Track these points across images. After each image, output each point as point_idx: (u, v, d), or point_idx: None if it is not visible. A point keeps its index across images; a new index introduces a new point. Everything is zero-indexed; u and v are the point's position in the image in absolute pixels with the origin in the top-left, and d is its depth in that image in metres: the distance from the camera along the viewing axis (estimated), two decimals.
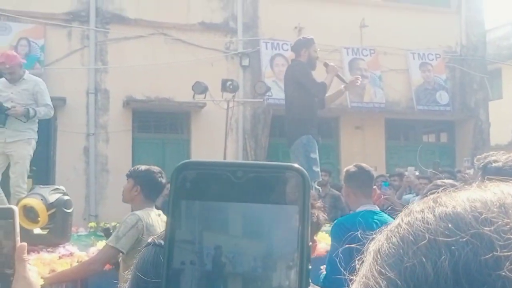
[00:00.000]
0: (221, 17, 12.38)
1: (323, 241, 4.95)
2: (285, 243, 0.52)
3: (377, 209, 3.60)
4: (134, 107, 11.64)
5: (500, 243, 0.47)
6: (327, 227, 5.75)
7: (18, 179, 5.96)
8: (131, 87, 11.45)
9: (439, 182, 3.25)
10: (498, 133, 15.54)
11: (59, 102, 10.68)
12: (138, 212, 3.49)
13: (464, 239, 0.48)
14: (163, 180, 3.74)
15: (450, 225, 0.50)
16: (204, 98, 10.09)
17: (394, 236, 0.53)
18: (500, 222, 0.49)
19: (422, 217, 0.53)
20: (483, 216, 0.50)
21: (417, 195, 7.51)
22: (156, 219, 3.49)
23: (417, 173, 9.35)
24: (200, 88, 9.98)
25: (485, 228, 0.48)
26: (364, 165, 3.74)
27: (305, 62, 6.65)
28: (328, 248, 4.56)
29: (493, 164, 2.06)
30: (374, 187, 3.87)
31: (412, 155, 13.83)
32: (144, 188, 3.64)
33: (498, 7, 44.99)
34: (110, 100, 11.48)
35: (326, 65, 6.75)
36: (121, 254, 3.37)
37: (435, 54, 13.71)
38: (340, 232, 3.21)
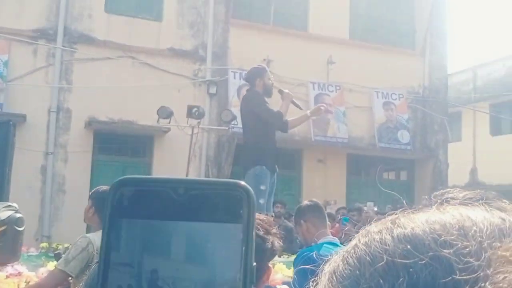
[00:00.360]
0: (190, 44, 12.43)
1: (279, 272, 4.93)
2: (228, 265, 0.49)
3: (338, 241, 3.61)
4: (96, 128, 11.47)
5: (459, 266, 0.46)
6: (285, 258, 5.72)
7: None
8: (94, 108, 11.30)
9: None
10: (456, 174, 15.92)
11: (19, 119, 10.45)
12: (89, 235, 3.40)
13: (423, 262, 0.47)
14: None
15: (408, 247, 0.49)
16: (169, 123, 10.05)
17: (350, 257, 0.52)
18: (459, 245, 0.48)
19: (380, 238, 0.51)
20: (442, 238, 0.48)
21: None
22: None
23: (375, 209, 9.45)
24: (165, 113, 9.94)
25: (444, 251, 0.47)
26: (313, 199, 3.82)
27: (261, 91, 6.56)
28: (285, 279, 4.53)
29: (451, 202, 2.08)
30: (335, 223, 3.91)
31: (372, 190, 14.00)
32: (98, 209, 3.56)
33: (460, 53, 46.69)
34: (72, 119, 11.30)
35: (281, 92, 6.69)
36: (71, 277, 3.27)
37: (399, 94, 14.05)
38: (303, 263, 3.19)
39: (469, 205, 0.55)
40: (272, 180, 6.53)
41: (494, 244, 0.48)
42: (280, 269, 4.96)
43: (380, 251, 0.50)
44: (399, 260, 0.48)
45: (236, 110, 11.79)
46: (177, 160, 10.99)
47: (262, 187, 6.27)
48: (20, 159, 9.61)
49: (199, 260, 0.50)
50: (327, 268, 0.54)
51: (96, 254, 3.26)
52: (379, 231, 0.52)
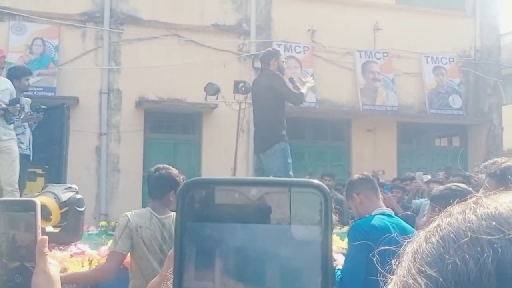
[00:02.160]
0: (234, 19, 12.40)
1: (334, 244, 4.95)
2: (307, 268, 0.47)
3: (392, 212, 3.58)
4: (146, 107, 11.69)
5: None
6: (337, 229, 5.74)
7: (15, 178, 5.88)
8: (143, 88, 11.51)
9: (452, 186, 3.21)
10: (511, 138, 15.39)
11: (72, 102, 10.77)
12: (128, 213, 3.53)
13: (508, 237, 0.48)
14: (155, 174, 3.65)
15: (493, 223, 0.50)
16: (216, 99, 10.11)
17: (433, 235, 0.53)
18: None
19: (463, 217, 0.52)
20: None
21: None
22: (150, 219, 3.49)
23: (429, 177, 9.28)
24: (212, 89, 10.00)
25: None
26: (366, 173, 3.82)
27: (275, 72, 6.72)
28: (338, 250, 4.56)
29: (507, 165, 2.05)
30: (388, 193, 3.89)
31: (424, 158, 13.76)
32: (148, 188, 3.71)
33: None
34: (123, 100, 11.55)
35: (291, 80, 6.82)
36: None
37: (449, 58, 13.63)
38: (358, 234, 3.20)
39: None
40: None
41: None
42: (334, 241, 4.98)
43: (464, 229, 0.50)
44: (484, 236, 0.49)
45: None
46: (225, 135, 11.10)
47: (289, 160, 6.55)
48: (75, 141, 9.98)
49: (276, 264, 0.48)
50: (409, 248, 0.54)
51: (134, 230, 3.39)
52: (462, 211, 0.53)
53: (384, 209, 3.54)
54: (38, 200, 1.11)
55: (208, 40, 11.99)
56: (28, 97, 7.01)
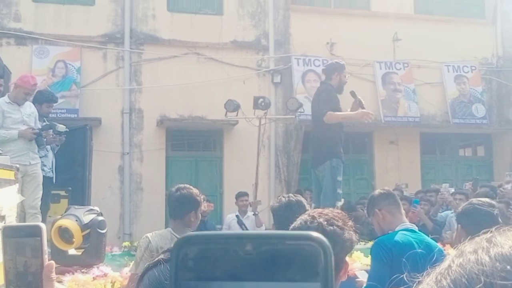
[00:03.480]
0: (252, 35, 12.47)
1: (357, 260, 4.89)
2: None
3: (415, 227, 3.51)
4: (167, 125, 11.78)
5: None
6: (361, 245, 5.67)
7: (38, 202, 5.97)
8: (164, 106, 11.61)
9: (475, 200, 3.14)
10: None
11: (94, 122, 10.91)
12: (149, 235, 3.52)
13: None
14: (176, 194, 3.65)
15: (508, 267, 0.46)
16: (236, 115, 10.14)
17: (444, 279, 0.49)
18: None
19: (476, 258, 0.49)
20: None
21: (454, 211, 7.34)
22: (170, 239, 3.48)
23: (452, 190, 9.12)
24: (232, 106, 10.04)
25: None
26: (387, 188, 3.75)
27: (335, 85, 6.81)
28: (363, 267, 4.49)
29: None
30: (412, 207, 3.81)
31: (448, 169, 13.56)
32: (168, 208, 3.71)
33: None
34: (144, 119, 11.66)
35: (353, 94, 6.86)
36: None
37: (471, 66, 13.47)
38: (381, 251, 3.16)
39: None
40: None
41: None
42: (357, 258, 4.92)
43: (477, 272, 0.47)
44: (498, 282, 0.46)
45: (301, 97, 11.77)
46: (246, 151, 11.12)
47: (339, 178, 6.55)
48: (98, 161, 10.08)
49: None
50: None
51: (155, 251, 3.33)
52: (474, 251, 0.50)
53: (408, 224, 3.47)
54: (44, 225, 1.11)
55: (227, 57, 12.06)
56: (52, 120, 7.12)
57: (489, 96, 13.64)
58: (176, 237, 3.45)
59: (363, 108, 6.84)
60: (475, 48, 13.43)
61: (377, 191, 3.69)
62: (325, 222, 1.90)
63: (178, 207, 3.61)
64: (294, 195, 3.41)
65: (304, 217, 1.99)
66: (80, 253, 4.11)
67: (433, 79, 13.16)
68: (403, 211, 3.63)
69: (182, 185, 3.72)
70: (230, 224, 8.38)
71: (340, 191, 6.61)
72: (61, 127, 6.56)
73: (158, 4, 12.02)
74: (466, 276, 0.48)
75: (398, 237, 3.27)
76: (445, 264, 0.51)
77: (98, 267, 4.12)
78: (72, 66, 11.38)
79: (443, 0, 13.83)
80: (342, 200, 6.80)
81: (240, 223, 8.36)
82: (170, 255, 0.48)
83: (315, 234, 0.47)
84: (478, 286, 0.46)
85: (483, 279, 0.46)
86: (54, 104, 7.36)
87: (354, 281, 3.44)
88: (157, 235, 3.50)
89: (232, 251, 0.46)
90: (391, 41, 12.92)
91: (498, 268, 0.46)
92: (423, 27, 13.04)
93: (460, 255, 0.51)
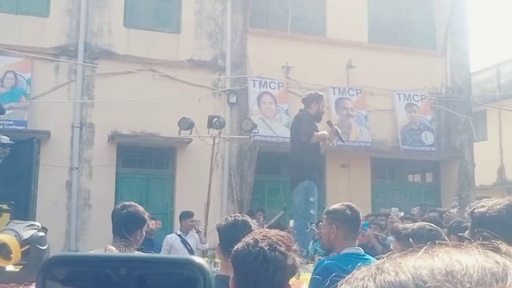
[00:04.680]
0: (209, 54, 12.48)
1: (305, 283, 4.86)
2: None
3: (361, 251, 3.50)
4: (119, 141, 11.57)
5: None
6: (311, 267, 5.66)
7: None
8: (116, 122, 11.41)
9: (426, 225, 3.17)
10: (483, 174, 15.62)
11: (43, 136, 10.60)
12: (91, 252, 3.40)
13: None
14: (126, 211, 3.59)
15: None
16: (190, 133, 10.08)
17: None
18: None
19: (362, 285, 0.48)
20: (426, 285, 0.45)
21: None
22: None
23: (402, 214, 9.29)
24: (186, 124, 9.98)
25: None
26: (355, 206, 3.59)
27: (313, 114, 7.33)
28: None
29: (479, 210, 2.07)
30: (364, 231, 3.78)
31: (398, 194, 13.85)
32: (113, 224, 3.59)
33: (483, 51, 46.01)
34: (95, 134, 11.42)
35: (330, 124, 7.37)
36: None
37: (421, 95, 13.87)
38: (324, 273, 3.13)
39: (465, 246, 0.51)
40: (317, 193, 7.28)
41: None
42: (306, 279, 4.90)
43: None
44: None
45: (256, 118, 11.83)
46: (200, 170, 11.02)
47: (311, 199, 7.03)
48: (45, 175, 9.76)
49: None
50: None
51: None
52: (362, 278, 0.49)
53: (354, 249, 3.45)
54: None
55: (183, 75, 12.01)
56: None
57: (437, 124, 14.05)
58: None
59: (339, 136, 7.44)
60: (426, 78, 13.86)
61: (346, 209, 3.47)
62: (267, 247, 1.89)
63: (124, 225, 3.50)
64: (241, 215, 3.36)
65: (247, 239, 1.96)
66: (18, 269, 3.93)
67: (384, 106, 13.47)
68: (356, 237, 3.60)
69: (127, 203, 3.65)
70: (172, 244, 8.08)
71: (312, 211, 6.98)
72: (5, 139, 6.31)
73: (114, 19, 11.89)
74: None
75: (340, 261, 3.25)
76: None
77: None
78: (22, 77, 11.08)
79: (396, 31, 14.25)
80: (316, 220, 7.06)
81: (184, 242, 8.19)
82: (37, 276, 0.43)
83: (196, 259, 0.44)
84: None
85: None
86: (1, 116, 7.11)
87: None
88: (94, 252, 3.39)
89: (105, 274, 0.42)
90: (345, 68, 13.19)
91: None
92: (376, 55, 13.38)
93: (348, 281, 0.50)
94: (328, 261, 3.36)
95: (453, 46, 14.46)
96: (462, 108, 14.28)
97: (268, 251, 1.87)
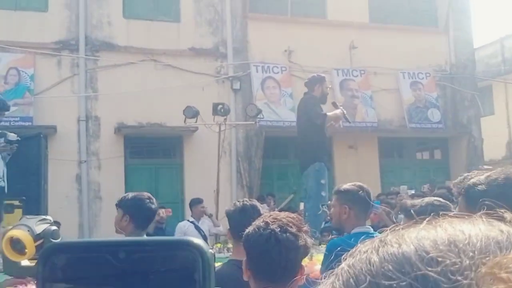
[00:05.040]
0: (210, 42, 12.43)
1: (318, 263, 4.88)
2: None
3: (371, 230, 3.50)
4: (125, 133, 11.59)
5: (446, 286, 0.43)
6: (323, 248, 5.68)
7: None
8: (122, 114, 11.42)
9: (434, 200, 3.14)
10: (491, 149, 15.57)
11: (49, 131, 10.64)
12: None
13: (405, 283, 0.44)
14: (153, 206, 3.66)
15: (391, 267, 0.46)
16: (196, 122, 10.09)
17: (338, 280, 0.49)
18: (447, 262, 0.44)
19: (365, 258, 0.48)
20: (429, 255, 0.45)
21: None
22: None
23: (413, 191, 9.28)
24: (191, 112, 9.99)
25: (431, 269, 0.44)
26: (366, 186, 3.57)
27: (318, 96, 7.30)
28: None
29: (478, 188, 1.93)
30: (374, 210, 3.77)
31: (407, 172, 13.83)
32: (134, 216, 3.55)
33: (486, 25, 45.63)
34: (101, 127, 11.44)
35: (335, 105, 7.44)
36: None
37: (425, 73, 13.80)
38: (331, 253, 3.14)
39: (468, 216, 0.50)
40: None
41: (487, 259, 0.44)
42: (318, 260, 4.91)
43: (364, 273, 0.47)
44: (382, 282, 0.45)
45: (261, 103, 11.80)
46: (207, 158, 11.04)
47: (323, 181, 7.05)
48: (55, 170, 9.82)
49: None
50: None
51: None
52: (366, 251, 0.49)
53: (363, 228, 3.46)
54: None
55: (185, 64, 11.98)
56: (5, 128, 6.88)
57: (443, 101, 13.99)
58: None
59: (345, 117, 7.50)
60: (429, 56, 13.77)
61: (358, 189, 3.44)
62: (278, 229, 1.89)
63: (150, 218, 3.65)
64: (250, 200, 3.38)
65: (258, 222, 1.97)
66: (33, 264, 3.96)
67: (389, 86, 13.41)
68: (366, 216, 3.61)
69: (146, 195, 3.71)
70: (186, 231, 8.15)
71: (324, 193, 6.97)
72: (12, 136, 6.35)
73: (114, 10, 11.85)
74: (354, 277, 0.48)
75: (350, 241, 3.26)
76: (341, 265, 0.51)
77: None
78: (25, 73, 11.08)
79: (397, 10, 14.13)
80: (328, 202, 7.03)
81: (198, 228, 8.25)
82: (37, 264, 0.44)
83: (195, 240, 0.44)
84: (363, 285, 0.46)
85: (368, 278, 0.46)
86: (6, 113, 7.12)
87: (314, 283, 3.41)
88: None
89: (104, 259, 0.43)
90: (348, 49, 13.11)
91: (383, 268, 0.46)
92: (379, 35, 13.29)
93: (352, 255, 0.51)
94: (335, 241, 3.38)
95: (456, 23, 14.34)
96: (467, 84, 14.20)
97: (279, 233, 1.88)
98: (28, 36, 11.12)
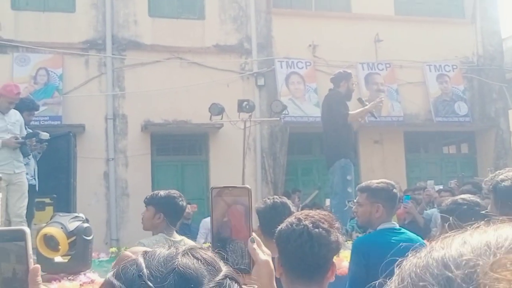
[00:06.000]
0: (235, 38, 12.48)
1: (345, 260, 4.90)
2: None
3: (396, 225, 3.50)
4: (152, 130, 11.73)
5: (466, 286, 0.47)
6: (349, 244, 5.69)
7: (23, 210, 5.95)
8: (148, 111, 11.57)
9: (458, 199, 3.14)
10: None
11: (78, 129, 10.84)
12: (143, 241, 3.41)
13: (432, 286, 0.49)
14: (184, 204, 3.73)
15: (426, 272, 0.50)
16: (221, 119, 10.16)
17: (395, 280, 0.54)
18: (472, 263, 0.48)
19: (414, 262, 0.53)
20: (461, 258, 0.49)
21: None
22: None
23: (441, 187, 9.18)
24: (216, 109, 10.06)
25: (455, 272, 0.48)
26: (393, 183, 3.59)
27: (343, 93, 7.33)
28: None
29: (503, 184, 1.96)
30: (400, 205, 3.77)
31: (433, 167, 13.68)
32: (167, 214, 3.61)
33: None
34: (129, 124, 11.60)
35: (361, 101, 7.47)
36: None
37: (452, 65, 13.61)
38: (359, 253, 3.18)
39: None
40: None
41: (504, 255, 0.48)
42: (345, 257, 4.93)
43: (409, 275, 0.52)
44: (420, 283, 0.50)
45: (286, 99, 11.82)
46: (232, 154, 11.11)
47: (349, 177, 7.10)
48: (83, 168, 10.02)
49: None
50: None
51: None
52: (418, 256, 0.54)
53: (388, 224, 3.45)
54: (28, 228, 1.10)
55: (210, 61, 12.06)
56: (35, 127, 7.06)
57: (470, 94, 13.79)
58: (171, 241, 3.43)
59: (372, 113, 7.44)
60: (456, 47, 13.58)
61: (389, 186, 3.46)
62: (311, 225, 1.92)
63: (182, 215, 3.79)
64: (280, 197, 3.42)
65: (290, 219, 2.01)
66: (66, 260, 4.07)
67: (415, 79, 13.27)
68: (394, 212, 3.63)
69: (177, 193, 3.77)
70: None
71: (350, 190, 6.97)
72: (45, 135, 6.51)
73: (139, 9, 11.99)
74: (400, 278, 0.53)
75: (377, 237, 3.26)
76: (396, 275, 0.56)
77: (85, 274, 4.08)
78: (54, 73, 11.30)
79: (422, 1, 13.96)
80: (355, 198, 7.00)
81: None
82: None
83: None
84: (403, 284, 0.51)
85: (409, 281, 0.52)
86: (36, 112, 7.31)
87: (342, 279, 3.44)
88: (152, 240, 3.46)
89: None
90: (373, 42, 13.01)
91: (422, 272, 0.51)
92: (404, 27, 13.16)
93: (408, 258, 0.56)
94: (361, 239, 3.42)
95: (483, 13, 14.10)
96: (495, 76, 13.96)
97: (312, 228, 1.91)
98: (56, 36, 11.33)
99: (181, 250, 0.81)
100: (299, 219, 1.96)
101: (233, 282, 0.81)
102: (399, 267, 0.55)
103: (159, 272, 0.76)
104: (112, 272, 0.81)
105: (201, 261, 0.79)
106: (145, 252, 0.82)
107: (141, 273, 0.76)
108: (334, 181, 7.22)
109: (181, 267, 0.77)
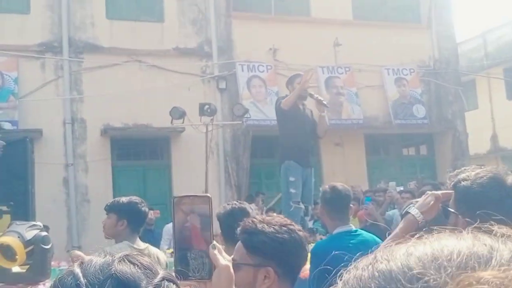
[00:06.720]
0: (195, 41, 12.40)
1: (307, 263, 4.91)
2: None
3: (353, 228, 3.60)
4: (112, 135, 11.53)
5: None
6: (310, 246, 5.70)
7: None
8: (108, 115, 11.35)
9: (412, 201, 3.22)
10: (476, 143, 15.74)
11: (35, 134, 10.53)
12: (106, 248, 3.33)
13: None
14: (146, 210, 3.66)
15: (378, 283, 0.49)
16: (182, 122, 10.07)
17: None
18: (427, 278, 0.47)
19: (358, 275, 0.52)
20: (411, 272, 0.48)
21: (400, 210, 7.51)
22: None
23: (401, 188, 9.34)
24: (177, 113, 9.96)
25: (411, 286, 0.47)
26: (340, 187, 3.63)
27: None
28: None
29: (462, 183, 1.99)
30: (351, 205, 3.79)
31: (393, 168, 13.92)
32: (130, 221, 3.53)
33: (468, 20, 46.00)
34: (87, 129, 11.36)
35: (310, 95, 7.43)
36: None
37: (409, 69, 13.88)
38: (316, 258, 3.21)
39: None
40: (305, 173, 7.37)
41: (463, 275, 0.46)
42: (308, 260, 4.94)
43: None
44: None
45: (247, 102, 11.81)
46: (195, 158, 11.02)
47: (291, 178, 7.23)
48: (41, 174, 9.72)
49: None
50: None
51: None
52: (360, 267, 0.53)
53: (345, 227, 3.54)
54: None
55: (170, 64, 11.93)
56: None
57: (428, 97, 14.09)
58: (135, 249, 3.35)
59: (323, 103, 7.37)
60: (413, 52, 13.85)
61: (329, 191, 3.60)
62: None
63: (144, 221, 3.74)
64: (239, 202, 3.40)
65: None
66: (24, 270, 3.92)
67: (374, 82, 13.47)
68: (344, 217, 3.63)
69: (138, 199, 3.70)
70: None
71: (293, 190, 7.11)
72: (1, 143, 6.29)
73: (97, 11, 11.77)
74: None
75: (334, 242, 3.35)
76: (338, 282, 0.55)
77: (44, 284, 3.94)
78: (9, 76, 10.97)
79: (380, 6, 14.21)
80: (298, 199, 7.06)
81: None
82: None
83: None
84: None
85: None
86: None
87: (306, 283, 3.46)
88: (116, 248, 3.37)
89: None
90: (332, 46, 13.15)
91: (370, 285, 0.50)
92: (362, 32, 13.35)
93: (349, 271, 0.54)
94: (318, 243, 3.53)
95: (438, 18, 14.45)
96: (451, 79, 14.32)
97: None
98: (10, 38, 10.99)
99: (117, 257, 0.83)
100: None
101: (171, 284, 0.84)
102: (341, 279, 0.54)
103: (96, 279, 0.78)
104: (49, 285, 0.83)
105: (138, 266, 0.82)
106: (81, 262, 0.84)
107: (78, 282, 0.78)
108: (281, 184, 7.51)
109: (118, 272, 0.79)
